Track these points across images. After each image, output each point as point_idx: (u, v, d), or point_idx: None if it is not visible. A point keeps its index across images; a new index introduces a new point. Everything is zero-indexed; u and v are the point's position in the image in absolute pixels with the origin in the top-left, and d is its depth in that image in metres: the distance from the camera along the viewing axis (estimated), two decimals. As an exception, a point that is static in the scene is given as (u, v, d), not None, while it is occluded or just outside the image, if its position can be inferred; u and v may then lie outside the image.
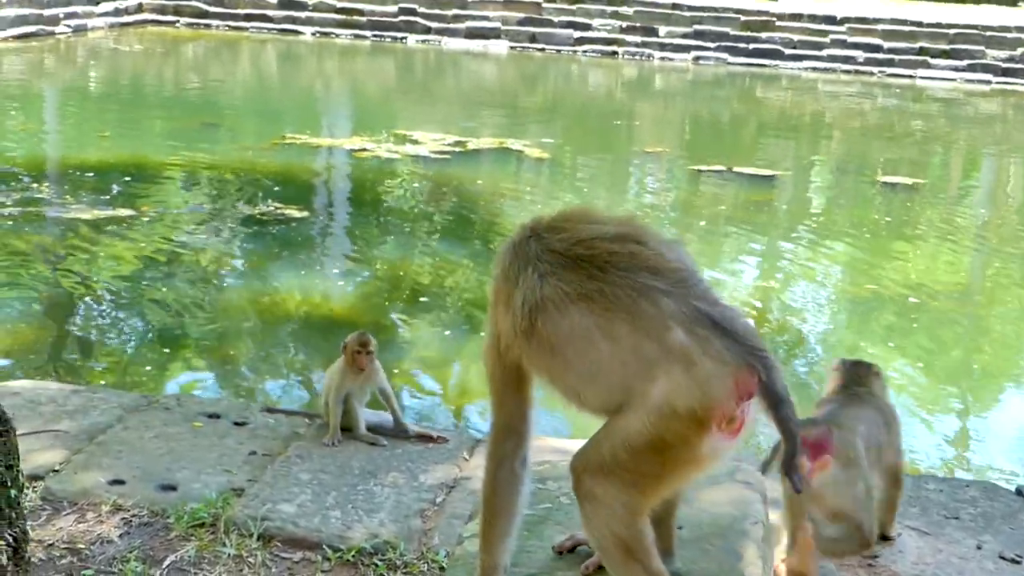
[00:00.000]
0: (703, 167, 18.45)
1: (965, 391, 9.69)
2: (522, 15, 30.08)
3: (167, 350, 9.15)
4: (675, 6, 30.31)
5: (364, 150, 17.62)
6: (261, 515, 4.74)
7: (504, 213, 14.76)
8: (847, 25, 30.26)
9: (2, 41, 25.01)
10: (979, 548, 5.10)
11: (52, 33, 26.38)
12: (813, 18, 30.46)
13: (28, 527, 3.71)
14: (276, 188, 14.87)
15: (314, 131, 19.28)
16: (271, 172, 15.86)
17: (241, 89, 24.46)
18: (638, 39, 29.85)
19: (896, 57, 29.68)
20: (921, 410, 9.04)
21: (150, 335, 9.50)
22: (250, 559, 4.49)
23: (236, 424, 5.81)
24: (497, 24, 29.89)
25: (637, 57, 29.65)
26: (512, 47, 29.77)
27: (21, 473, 3.64)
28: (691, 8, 30.31)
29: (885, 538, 5.00)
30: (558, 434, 7.57)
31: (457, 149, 18.16)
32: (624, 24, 30.11)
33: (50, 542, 4.56)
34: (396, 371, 9.00)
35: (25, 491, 4.38)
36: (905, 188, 18.64)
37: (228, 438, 5.61)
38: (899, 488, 5.04)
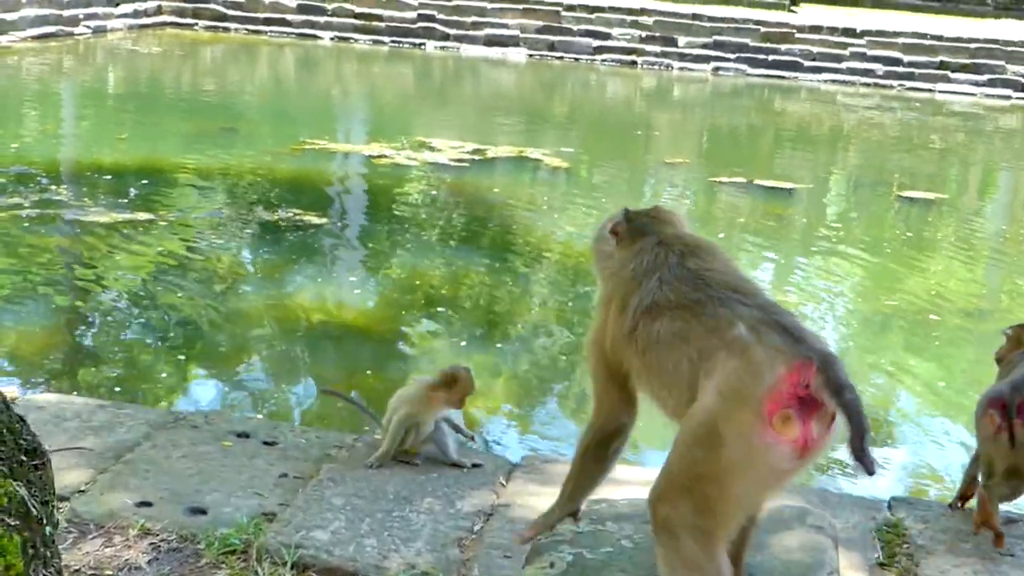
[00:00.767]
0: (722, 178, 18.31)
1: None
2: (541, 23, 29.94)
3: (185, 359, 9.03)
4: (695, 16, 30.17)
5: (382, 157, 17.50)
6: (295, 542, 4.59)
7: (522, 222, 14.62)
8: (867, 38, 30.10)
9: (21, 42, 24.91)
10: (1037, 587, 4.95)
11: (71, 34, 26.28)
12: (833, 30, 30.31)
13: (63, 566, 3.56)
14: (294, 194, 14.76)
15: (332, 137, 19.18)
16: (289, 178, 15.75)
17: (259, 93, 24.36)
18: (657, 49, 29.70)
19: (916, 71, 29.52)
20: (945, 433, 8.89)
21: (168, 344, 9.37)
22: (284, 589, 4.35)
23: (266, 444, 5.66)
24: (516, 32, 29.75)
25: (656, 67, 29.51)
26: (531, 55, 29.64)
27: (56, 508, 3.50)
28: (711, 19, 30.16)
29: None
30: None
31: (476, 157, 18.04)
32: (644, 34, 29.97)
33: (76, 567, 4.41)
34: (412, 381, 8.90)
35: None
36: (924, 202, 18.49)
37: (258, 459, 5.46)
38: None
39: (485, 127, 21.74)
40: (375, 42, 29.64)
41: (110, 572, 4.41)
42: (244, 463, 5.39)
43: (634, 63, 29.58)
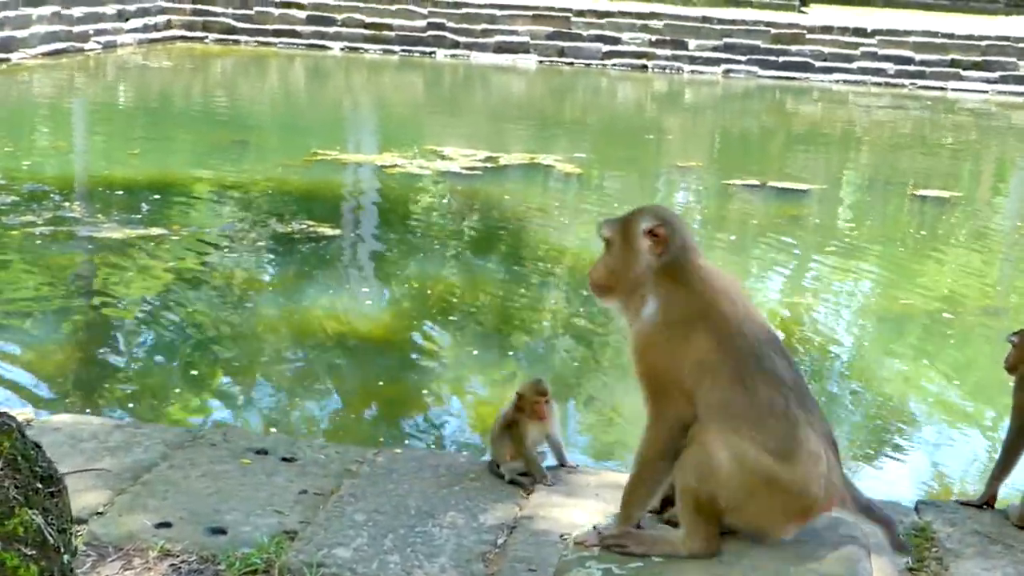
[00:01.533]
0: (735, 181, 18.25)
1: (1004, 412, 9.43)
2: (551, 29, 29.90)
3: (201, 375, 8.99)
4: (705, 19, 30.11)
5: (395, 166, 17.47)
6: (316, 560, 4.53)
7: (535, 229, 14.58)
8: (878, 37, 30.01)
9: (33, 59, 24.96)
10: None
11: (81, 50, 26.33)
12: (843, 30, 30.22)
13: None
14: (307, 205, 14.74)
15: (344, 147, 19.15)
16: (301, 189, 15.73)
17: (270, 105, 24.37)
18: (668, 52, 29.65)
19: (927, 69, 29.42)
20: (973, 436, 8.81)
21: (183, 360, 9.33)
22: (308, 609, 4.29)
23: (285, 460, 5.60)
24: (526, 38, 29.72)
25: (667, 71, 29.46)
26: (541, 61, 29.61)
27: (74, 533, 3.45)
28: (721, 21, 30.11)
29: None
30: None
31: (488, 165, 18.00)
32: (654, 38, 29.92)
33: (97, 591, 4.37)
34: (431, 392, 8.85)
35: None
36: (938, 200, 18.40)
37: (277, 476, 5.40)
38: None
39: (497, 134, 21.72)
40: (385, 51, 29.63)
41: (131, 594, 4.36)
42: (263, 480, 5.34)
43: (644, 67, 29.54)
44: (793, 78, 29.28)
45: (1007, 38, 29.88)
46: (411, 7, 30.01)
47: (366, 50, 29.65)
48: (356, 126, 23.27)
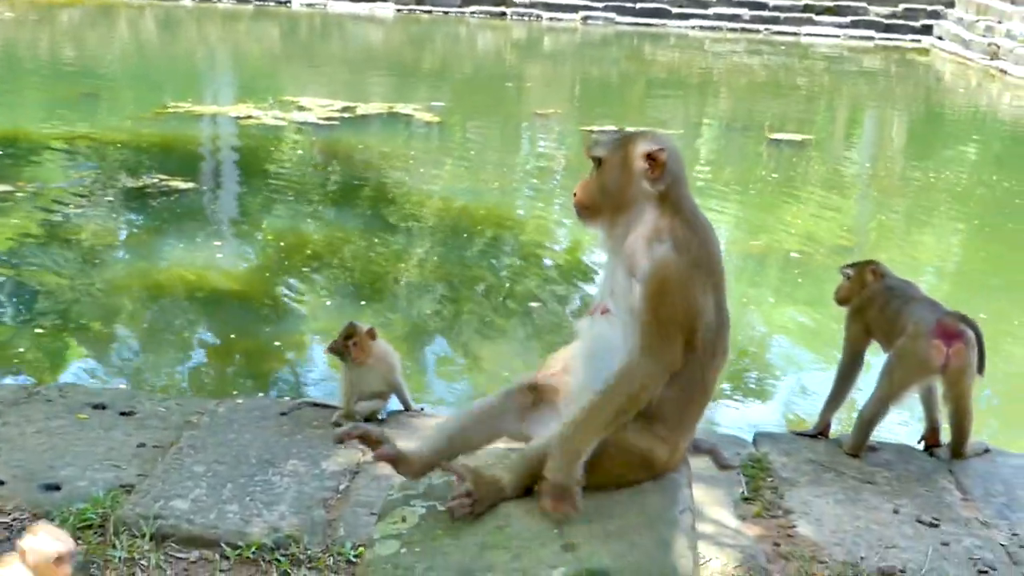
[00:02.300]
0: (593, 127, 18.35)
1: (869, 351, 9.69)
2: (408, -23, 29.69)
3: (47, 333, 8.76)
4: (562, -34, 30.15)
5: (249, 117, 17.21)
6: (153, 513, 4.47)
7: (396, 179, 14.49)
8: (732, -17, 30.37)
9: None
10: (896, 512, 5.02)
11: (-82, 3, 25.36)
12: (699, -24, 30.52)
13: None
14: (160, 159, 14.44)
15: (197, 99, 18.77)
16: (154, 143, 15.39)
17: (120, 57, 23.76)
18: (526, 0, 29.61)
19: (781, 15, 29.89)
20: (817, 370, 9.02)
21: (28, 317, 9.09)
22: (143, 561, 4.23)
23: (123, 414, 5.51)
24: (383, -14, 29.45)
25: (525, 18, 29.45)
26: (399, 10, 29.37)
27: None
28: (578, -33, 30.17)
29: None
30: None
31: (345, 115, 17.83)
32: (511, -15, 29.88)
33: (-75, 553, 4.25)
34: (285, 343, 8.76)
35: None
36: (792, 144, 18.75)
37: (115, 430, 5.31)
38: None
39: (354, 84, 21.49)
40: (239, 1, 29.09)
41: (-40, 555, 4.25)
42: (101, 435, 5.24)
43: (503, 15, 29.48)
44: (650, 24, 29.50)
45: (857, -17, 30.48)
46: (266, -44, 29.51)
47: (220, 0, 29.08)
48: (210, 77, 22.82)
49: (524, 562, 2.89)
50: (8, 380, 7.44)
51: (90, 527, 4.43)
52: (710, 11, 29.84)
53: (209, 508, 4.58)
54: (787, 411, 8.07)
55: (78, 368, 8.15)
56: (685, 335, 3.14)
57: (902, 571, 4.54)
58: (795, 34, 29.55)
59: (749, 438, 5.91)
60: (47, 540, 3.34)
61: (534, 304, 10.03)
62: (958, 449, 5.64)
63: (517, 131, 19.40)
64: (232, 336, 8.81)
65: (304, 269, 10.63)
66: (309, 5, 29.10)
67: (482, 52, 27.25)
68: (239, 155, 15.78)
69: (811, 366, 9.12)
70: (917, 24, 29.82)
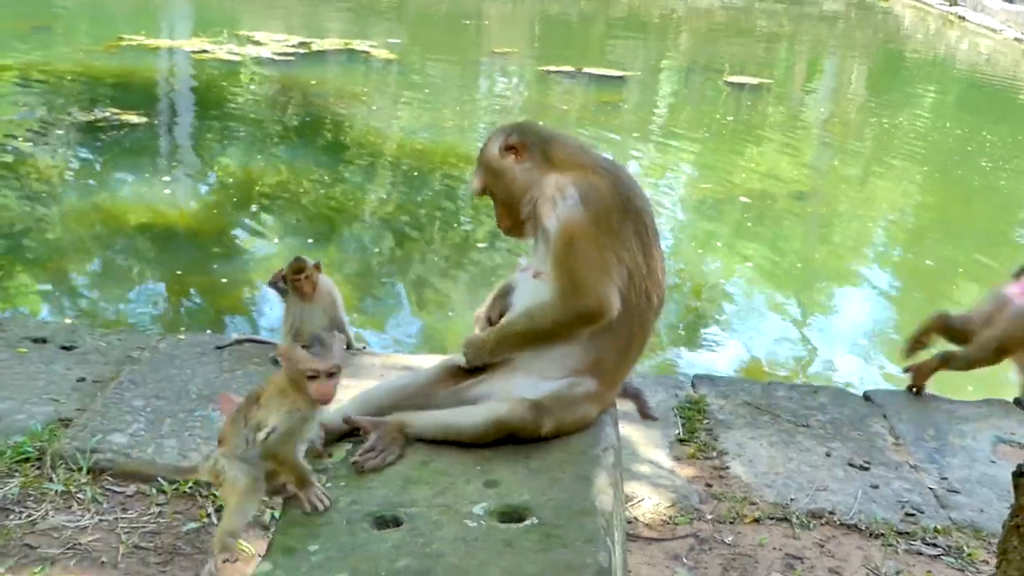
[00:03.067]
0: (552, 68, 18.29)
1: (811, 293, 9.80)
2: (367, -89, 29.25)
3: (-3, 267, 8.71)
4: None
5: (204, 52, 17.04)
6: (90, 447, 4.49)
7: (352, 116, 14.41)
8: (695, -77, 30.17)
9: None
10: (828, 455, 5.12)
11: None
12: (662, -84, 30.29)
13: None
14: (112, 93, 14.29)
15: (151, 32, 18.52)
16: (107, 76, 15.21)
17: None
18: (486, -63, 29.31)
19: (743, -43, 29.75)
20: (766, 314, 9.11)
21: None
22: (79, 495, 4.25)
23: (64, 348, 5.51)
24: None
25: (486, -45, 29.17)
26: (357, -56, 28.98)
27: None
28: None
29: None
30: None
31: (301, 51, 17.68)
32: (472, -79, 29.54)
33: None
34: (233, 280, 8.73)
35: None
36: (751, 87, 18.76)
37: (56, 364, 5.31)
38: None
39: (310, 19, 21.28)
40: (196, -67, 28.63)
41: None
42: (40, 369, 5.24)
43: (464, -48, 29.18)
44: (612, -36, 29.31)
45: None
46: None
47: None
48: (164, 10, 22.47)
49: (447, 497, 2.93)
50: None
51: (27, 460, 4.44)
52: (672, -48, 29.65)
53: (147, 442, 4.60)
54: (728, 354, 8.15)
55: (22, 302, 8.10)
56: (605, 281, 3.16)
57: (831, 512, 4.63)
58: (757, -23, 29.49)
59: (684, 380, 5.98)
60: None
61: (485, 245, 10.04)
62: None
63: (475, 70, 19.30)
64: (179, 272, 8.76)
65: (256, 206, 10.58)
66: (267, -62, 28.64)
67: (441, -11, 27.06)
68: (193, 90, 15.62)
69: (758, 309, 9.20)
70: (878, -31, 29.80)
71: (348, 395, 4.94)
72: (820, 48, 24.93)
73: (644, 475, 4.78)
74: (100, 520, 4.12)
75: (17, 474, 4.35)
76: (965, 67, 23.33)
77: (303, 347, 3.11)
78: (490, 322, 3.45)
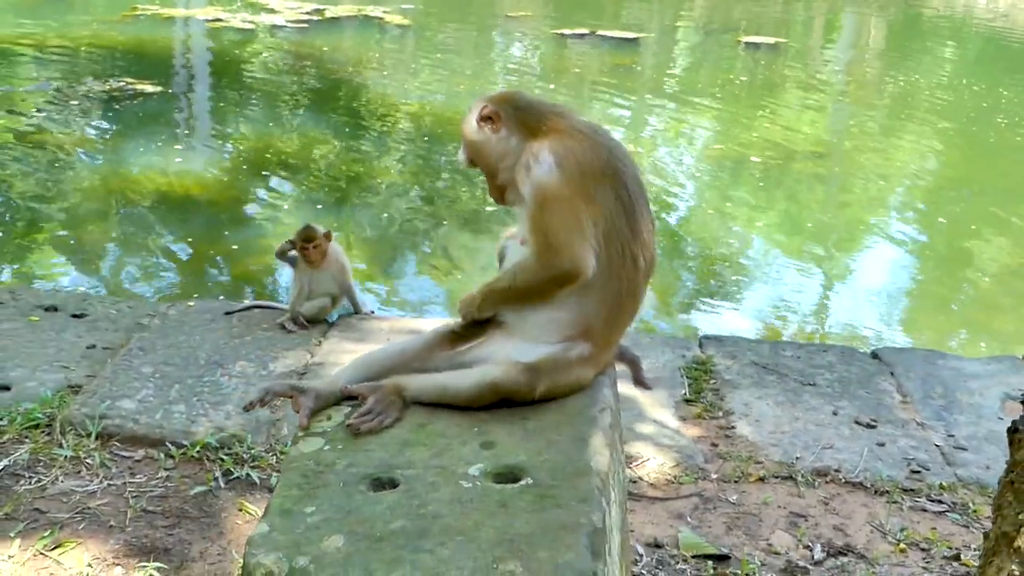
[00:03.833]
0: (566, 31, 18.24)
1: (826, 252, 9.77)
2: None
3: (10, 238, 8.74)
4: None
5: (218, 20, 17.06)
6: (99, 413, 4.53)
7: (366, 82, 14.42)
8: None
9: None
10: (835, 414, 5.12)
11: None
12: None
13: None
14: (127, 63, 14.34)
15: (166, 1, 18.55)
16: (122, 46, 15.26)
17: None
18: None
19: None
20: (781, 273, 9.10)
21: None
22: (88, 460, 4.30)
23: (75, 316, 5.56)
24: None
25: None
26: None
27: None
28: None
29: None
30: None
31: (315, 17, 17.69)
32: None
33: None
34: (245, 247, 8.75)
35: None
36: (768, 47, 18.67)
37: (66, 332, 5.36)
38: None
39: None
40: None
41: (-92, 454, 4.31)
42: (52, 337, 5.29)
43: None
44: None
45: None
46: None
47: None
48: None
49: (444, 459, 2.95)
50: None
51: (37, 426, 4.49)
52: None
53: (155, 408, 4.64)
54: (742, 314, 8.14)
55: (34, 270, 8.15)
56: (579, 242, 3.17)
57: (836, 470, 4.64)
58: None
59: (692, 341, 5.99)
60: None
61: (496, 209, 10.05)
62: None
63: (489, 34, 19.26)
64: (192, 240, 8.80)
65: (269, 174, 10.60)
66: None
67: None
68: (207, 59, 15.65)
69: (773, 269, 9.19)
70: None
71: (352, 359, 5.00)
72: (837, 6, 24.76)
73: (649, 435, 4.80)
74: (108, 485, 4.17)
75: (27, 440, 4.40)
76: (983, 23, 23.14)
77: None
78: None
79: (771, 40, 19.23)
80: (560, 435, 3.06)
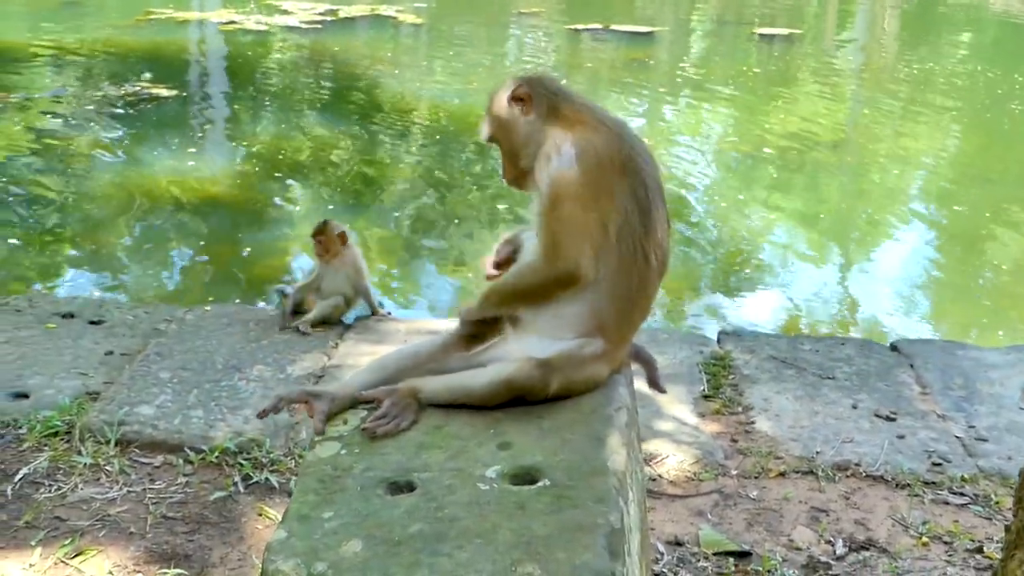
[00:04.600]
0: (580, 26, 18.21)
1: (843, 244, 9.73)
2: None
3: (26, 243, 8.76)
4: None
5: (232, 22, 17.08)
6: (118, 419, 4.54)
7: (380, 82, 14.42)
8: None
9: None
10: (855, 407, 5.10)
11: None
12: None
13: None
14: (142, 66, 14.36)
15: (180, 4, 18.59)
16: (137, 49, 15.30)
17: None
18: None
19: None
20: (797, 266, 9.07)
21: (10, 227, 9.07)
22: (107, 467, 4.30)
23: (92, 323, 5.57)
24: None
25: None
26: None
27: None
28: None
29: None
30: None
31: (329, 18, 17.70)
32: None
33: None
34: (263, 250, 8.76)
35: None
36: (782, 39, 18.61)
37: (83, 338, 5.37)
38: None
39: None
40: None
41: (-71, 464, 4.32)
42: (69, 344, 5.30)
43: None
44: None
45: None
46: None
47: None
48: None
49: (460, 462, 2.94)
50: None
51: (56, 434, 4.50)
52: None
53: (174, 414, 4.65)
54: (760, 308, 8.11)
55: (51, 277, 8.16)
56: (583, 245, 3.14)
57: (857, 464, 4.62)
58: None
59: (714, 336, 5.97)
60: None
61: (515, 208, 10.04)
62: None
63: (502, 31, 19.25)
64: (207, 243, 8.80)
65: (286, 175, 10.60)
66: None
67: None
68: (221, 61, 15.68)
69: (790, 261, 9.16)
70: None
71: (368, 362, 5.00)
72: (852, -3, 24.66)
73: (668, 432, 4.79)
74: (128, 491, 4.17)
75: (47, 448, 4.41)
76: (999, 9, 23.02)
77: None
78: (498, 267, 3.48)
79: (785, 31, 19.17)
80: (576, 434, 3.05)
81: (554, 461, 2.92)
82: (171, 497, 4.16)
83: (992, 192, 10.97)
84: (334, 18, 17.73)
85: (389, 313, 6.07)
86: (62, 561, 3.75)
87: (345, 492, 2.86)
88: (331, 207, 9.77)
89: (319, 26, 17.16)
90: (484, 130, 3.41)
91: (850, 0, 24.48)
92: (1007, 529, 2.99)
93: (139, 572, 3.73)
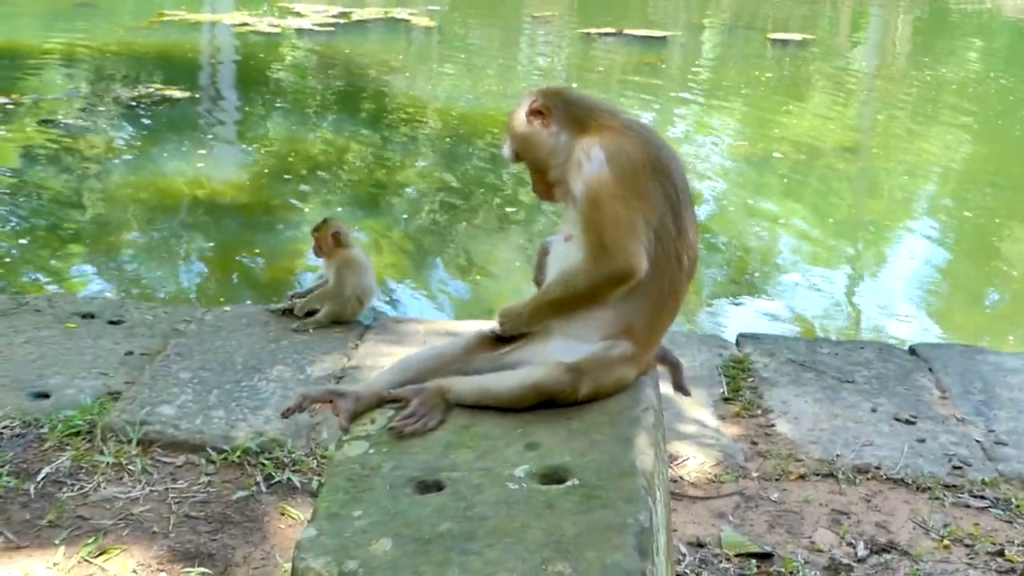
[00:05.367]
0: (593, 30, 18.22)
1: (858, 248, 9.73)
2: None
3: (43, 245, 8.78)
4: None
5: (244, 25, 17.10)
6: (140, 419, 4.54)
7: (393, 85, 14.44)
8: None
9: None
10: (874, 411, 5.10)
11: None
12: None
13: None
14: (155, 68, 14.40)
15: (192, 6, 18.63)
16: (149, 52, 15.34)
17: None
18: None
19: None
20: (813, 270, 9.07)
21: (21, 228, 9.09)
22: (130, 466, 4.31)
23: (112, 323, 5.58)
24: None
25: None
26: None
27: None
28: None
29: None
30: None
31: (341, 20, 17.72)
32: None
33: (-83, 459, 4.34)
34: (277, 251, 8.77)
35: None
36: (795, 44, 18.61)
37: (103, 338, 5.38)
38: None
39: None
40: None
41: (-49, 462, 4.33)
42: (89, 344, 5.31)
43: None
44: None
45: None
46: None
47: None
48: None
49: (488, 461, 2.94)
50: (-2, 291, 7.48)
51: (78, 434, 4.50)
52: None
53: (195, 414, 4.65)
54: (777, 312, 8.11)
55: (69, 277, 8.19)
56: (633, 241, 3.14)
57: (877, 467, 4.62)
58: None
59: (732, 339, 5.97)
60: None
61: (528, 209, 10.04)
62: None
63: (515, 35, 19.27)
64: (225, 245, 8.83)
65: (299, 178, 10.62)
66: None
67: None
68: (234, 63, 15.71)
69: (806, 265, 9.16)
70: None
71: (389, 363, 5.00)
72: (865, 1, 24.63)
73: (689, 435, 4.79)
74: (151, 491, 4.18)
75: (69, 447, 4.42)
76: (1012, 16, 22.99)
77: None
78: (538, 284, 3.45)
79: (798, 37, 19.16)
80: (604, 435, 3.05)
81: (583, 461, 2.92)
82: (194, 496, 4.17)
83: (1004, 197, 10.96)
84: (346, 21, 17.75)
85: (406, 315, 6.08)
86: (86, 560, 3.76)
87: (374, 491, 2.86)
88: (343, 208, 9.79)
89: (331, 29, 17.19)
90: (507, 150, 3.40)
91: (863, 6, 24.46)
92: (1034, 532, 2.99)
93: (163, 571, 3.74)
